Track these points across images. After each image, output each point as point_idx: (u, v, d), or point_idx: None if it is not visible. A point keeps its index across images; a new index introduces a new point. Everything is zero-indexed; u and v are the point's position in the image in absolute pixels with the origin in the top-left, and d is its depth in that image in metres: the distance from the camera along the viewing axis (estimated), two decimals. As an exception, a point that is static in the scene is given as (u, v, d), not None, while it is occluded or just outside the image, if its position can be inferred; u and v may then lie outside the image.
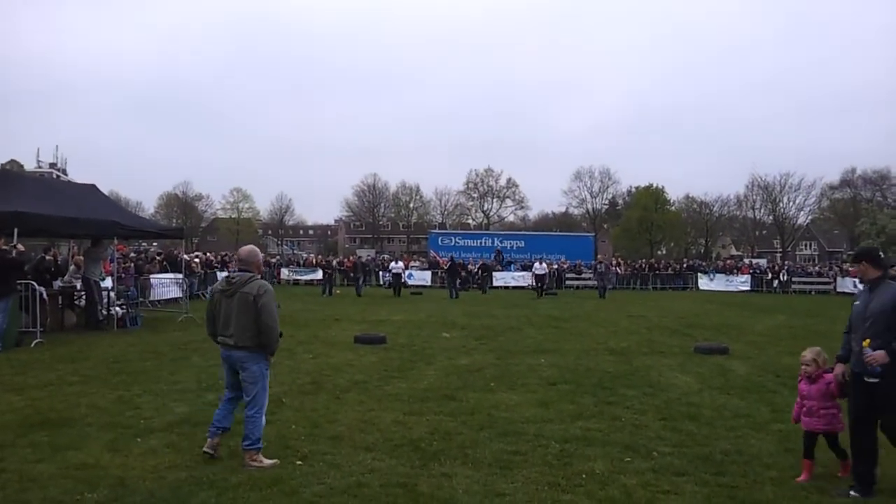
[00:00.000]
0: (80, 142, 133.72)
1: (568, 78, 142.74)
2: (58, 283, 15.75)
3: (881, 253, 5.54)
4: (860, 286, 5.61)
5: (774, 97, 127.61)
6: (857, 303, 5.33)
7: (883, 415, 5.09)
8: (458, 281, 32.81)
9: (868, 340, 5.06)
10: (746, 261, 56.03)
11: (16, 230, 12.61)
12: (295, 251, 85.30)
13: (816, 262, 74.79)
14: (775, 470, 5.59)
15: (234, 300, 5.51)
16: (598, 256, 44.68)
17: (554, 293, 32.06)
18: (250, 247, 5.99)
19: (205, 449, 5.66)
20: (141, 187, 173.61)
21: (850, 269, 40.96)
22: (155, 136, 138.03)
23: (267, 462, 5.53)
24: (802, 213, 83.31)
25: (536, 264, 32.99)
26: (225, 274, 30.48)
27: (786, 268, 44.50)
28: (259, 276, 5.69)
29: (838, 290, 38.31)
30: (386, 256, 49.58)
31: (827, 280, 41.02)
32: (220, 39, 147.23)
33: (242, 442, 5.56)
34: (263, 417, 5.65)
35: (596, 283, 34.34)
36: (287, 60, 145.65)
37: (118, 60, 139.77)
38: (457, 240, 49.66)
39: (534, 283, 32.16)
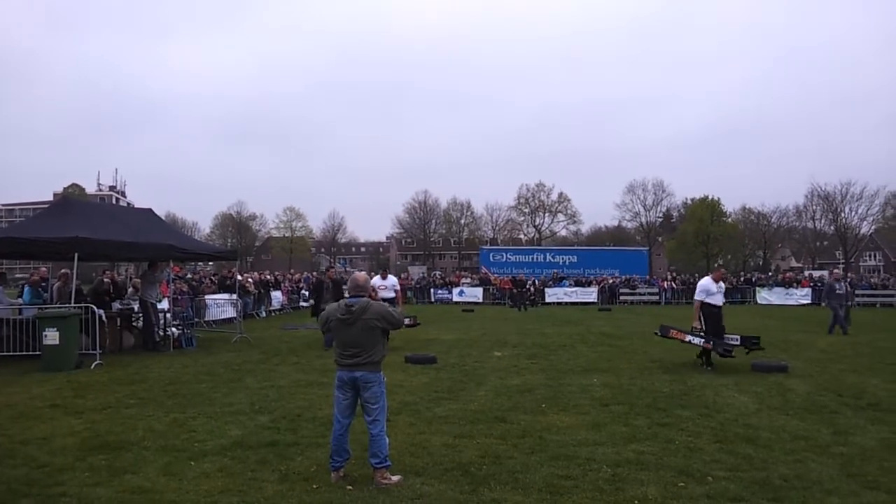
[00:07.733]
0: (139, 164, 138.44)
1: (619, 95, 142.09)
2: (116, 306, 16.20)
3: None
4: None
5: (834, 106, 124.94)
6: None
7: None
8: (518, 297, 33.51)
9: None
10: (807, 273, 54.49)
11: (76, 255, 13.06)
12: (347, 269, 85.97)
13: (882, 272, 72.44)
14: (837, 496, 5.35)
15: (357, 326, 5.79)
16: (835, 271, 27.67)
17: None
18: (363, 274, 6.51)
19: (336, 482, 5.69)
20: (197, 208, 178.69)
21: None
22: (214, 158, 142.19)
23: (394, 478, 5.67)
24: (865, 222, 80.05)
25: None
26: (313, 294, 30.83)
27: (848, 280, 42.85)
28: (370, 298, 6.04)
29: (905, 302, 36.74)
30: (338, 267, 32.49)
31: (892, 292, 39.53)
32: (287, 67, 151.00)
33: (371, 460, 5.71)
34: (386, 435, 5.86)
35: (829, 305, 20.66)
36: (347, 85, 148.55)
37: (191, 86, 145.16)
38: (508, 256, 49.61)
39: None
